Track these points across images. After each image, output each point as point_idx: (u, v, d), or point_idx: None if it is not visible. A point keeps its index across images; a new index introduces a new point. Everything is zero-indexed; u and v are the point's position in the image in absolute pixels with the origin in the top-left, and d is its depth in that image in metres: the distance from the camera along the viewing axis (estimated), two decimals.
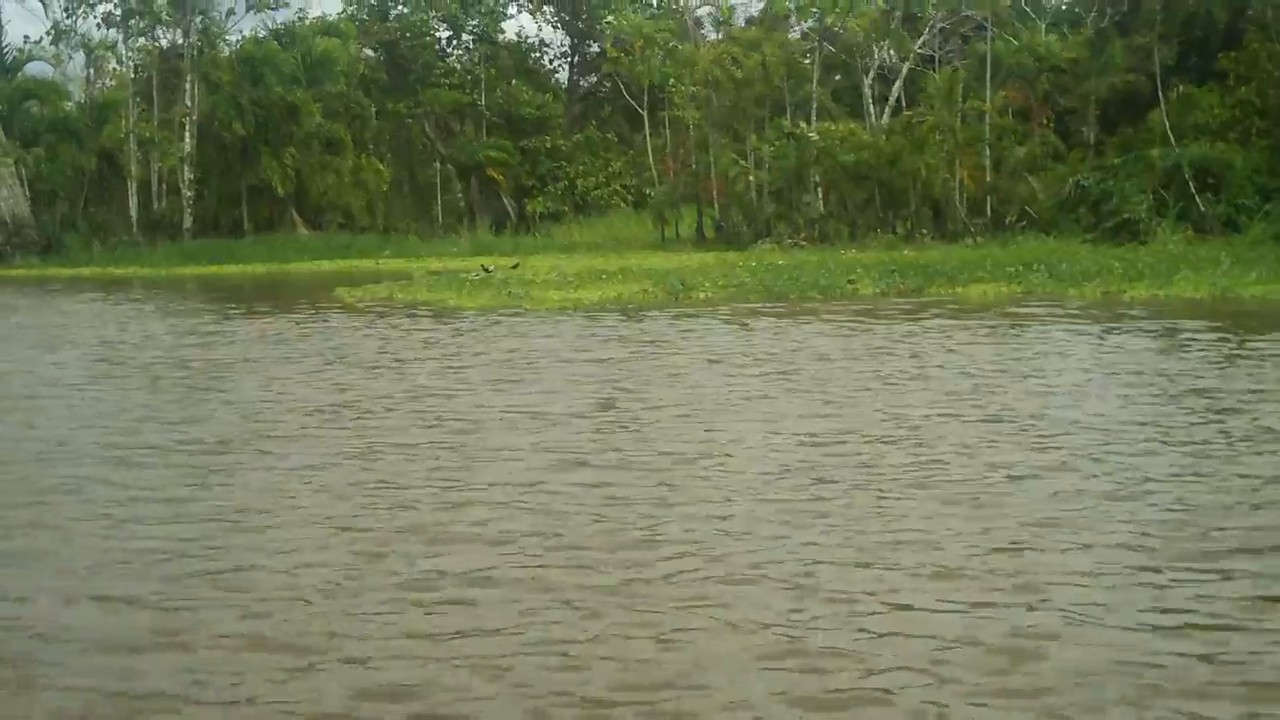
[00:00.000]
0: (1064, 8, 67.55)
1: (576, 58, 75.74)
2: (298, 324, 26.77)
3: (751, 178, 54.04)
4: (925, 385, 16.07)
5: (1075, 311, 24.85)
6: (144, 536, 9.65)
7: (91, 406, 16.11)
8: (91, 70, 69.82)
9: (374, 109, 65.80)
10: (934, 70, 58.55)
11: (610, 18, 66.19)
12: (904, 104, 57.64)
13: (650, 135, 61.91)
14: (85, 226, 60.58)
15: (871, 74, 57.39)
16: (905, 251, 43.21)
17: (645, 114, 59.86)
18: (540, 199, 70.40)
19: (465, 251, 55.13)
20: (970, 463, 11.49)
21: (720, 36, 60.33)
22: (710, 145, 56.83)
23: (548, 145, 71.01)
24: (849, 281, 31.53)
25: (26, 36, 70.05)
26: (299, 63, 59.41)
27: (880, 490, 10.54)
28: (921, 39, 57.45)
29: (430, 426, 14.05)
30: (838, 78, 61.74)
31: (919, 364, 17.94)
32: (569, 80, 76.54)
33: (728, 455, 12.21)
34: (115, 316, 30.69)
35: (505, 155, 69.90)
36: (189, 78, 59.01)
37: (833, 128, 53.90)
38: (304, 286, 41.42)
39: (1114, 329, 21.70)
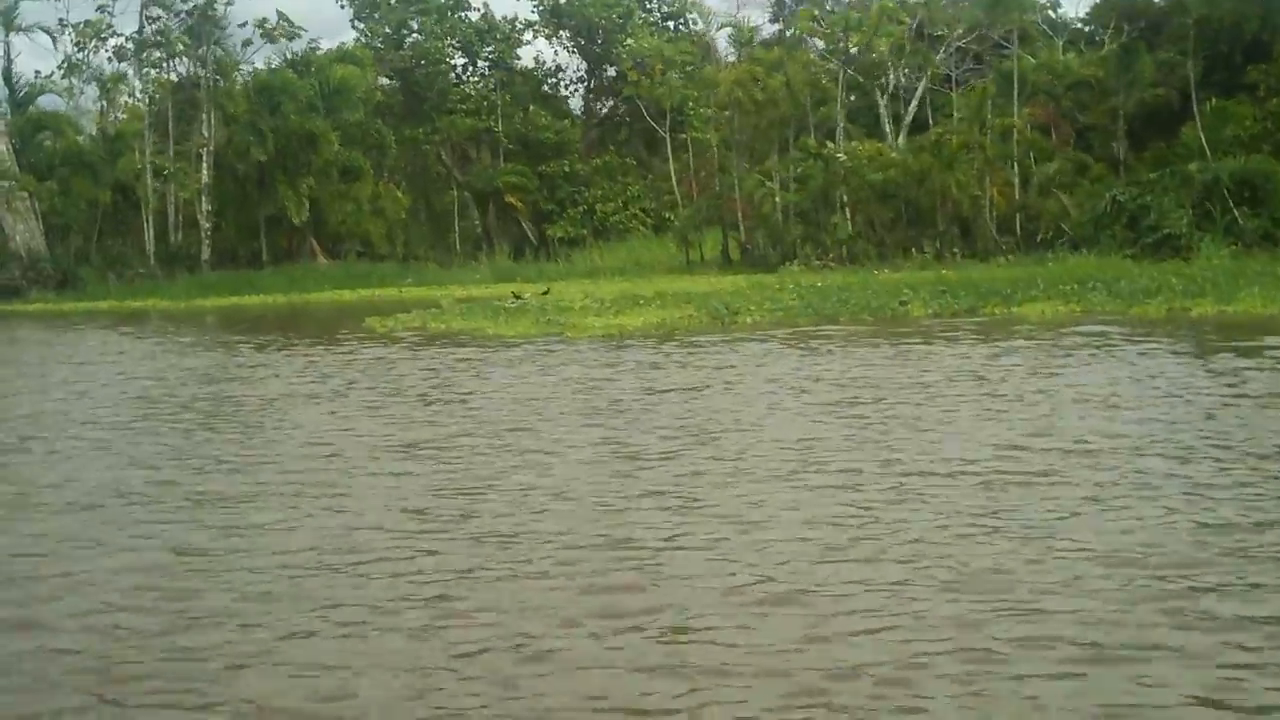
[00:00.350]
0: (1080, 26, 66.91)
1: (593, 82, 74.89)
2: (339, 355, 25.74)
3: (778, 199, 53.08)
4: (1058, 410, 15.08)
5: (1154, 331, 23.76)
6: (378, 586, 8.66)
7: (154, 448, 15.02)
8: (104, 103, 69.14)
9: (392, 137, 64.96)
10: (951, 89, 57.83)
11: (630, 40, 65.31)
12: (922, 123, 56.92)
13: (671, 158, 60.89)
14: (100, 260, 59.73)
15: (887, 94, 56.51)
16: (943, 271, 42.21)
17: (667, 136, 58.78)
18: (560, 224, 69.55)
19: (487, 278, 54.24)
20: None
21: (740, 58, 59.36)
22: (733, 167, 55.93)
23: (566, 170, 70.16)
24: (900, 303, 30.48)
25: (38, 71, 69.37)
26: (317, 91, 58.54)
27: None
28: (938, 57, 56.58)
29: (525, 467, 13.01)
30: (852, 98, 60.69)
31: (1033, 387, 16.95)
32: (585, 105, 75.78)
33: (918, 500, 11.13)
34: (146, 352, 29.65)
35: (523, 180, 69.09)
36: (205, 108, 58.11)
37: (860, 147, 53.06)
38: (331, 317, 40.48)
39: (1216, 351, 20.54)
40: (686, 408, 16.49)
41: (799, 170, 52.94)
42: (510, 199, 69.22)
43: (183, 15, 60.15)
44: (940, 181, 50.83)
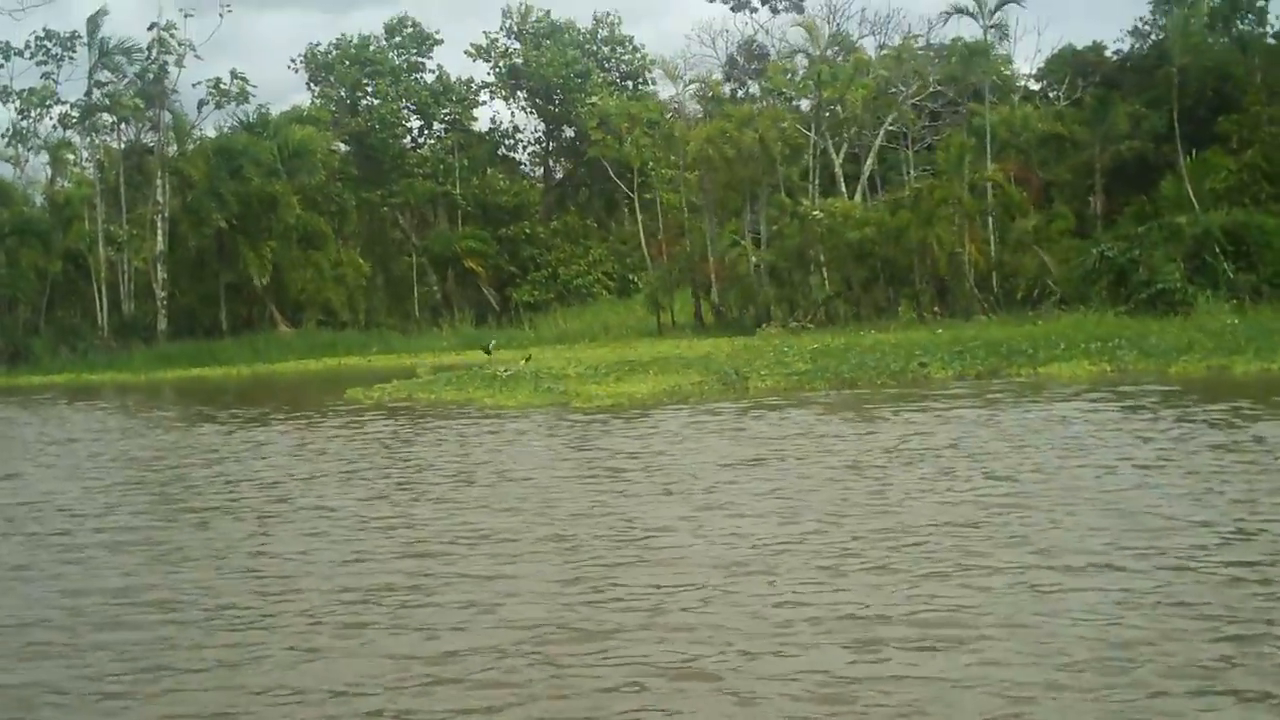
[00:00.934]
0: (1032, 82, 66.11)
1: (551, 143, 73.34)
2: (339, 430, 23.91)
3: (752, 258, 51.54)
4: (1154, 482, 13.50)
5: (1216, 392, 22.28)
6: None
7: (178, 549, 13.14)
8: (51, 170, 66.89)
9: (352, 201, 63.07)
10: (907, 147, 56.76)
11: (594, 99, 63.82)
12: (873, 182, 55.81)
13: (639, 218, 59.17)
14: (51, 332, 57.31)
15: (843, 151, 55.14)
16: (939, 330, 40.58)
17: (634, 197, 57.17)
18: (524, 288, 67.82)
19: (453, 345, 52.34)
20: None
21: (708, 114, 57.87)
22: (704, 226, 54.42)
23: (526, 233, 68.50)
24: (920, 364, 28.86)
25: None
26: (276, 154, 56.55)
27: None
28: (891, 116, 55.23)
29: (629, 559, 11.24)
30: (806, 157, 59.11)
31: (1115, 454, 15.45)
32: (544, 166, 74.15)
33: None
34: (119, 429, 27.64)
35: (482, 245, 67.39)
36: (159, 173, 55.99)
37: (835, 204, 51.69)
38: (306, 388, 38.62)
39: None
40: (774, 484, 14.88)
41: (774, 228, 51.39)
42: (470, 264, 67.41)
43: (131, 79, 58.01)
44: (918, 238, 49.54)
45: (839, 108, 53.98)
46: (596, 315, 61.85)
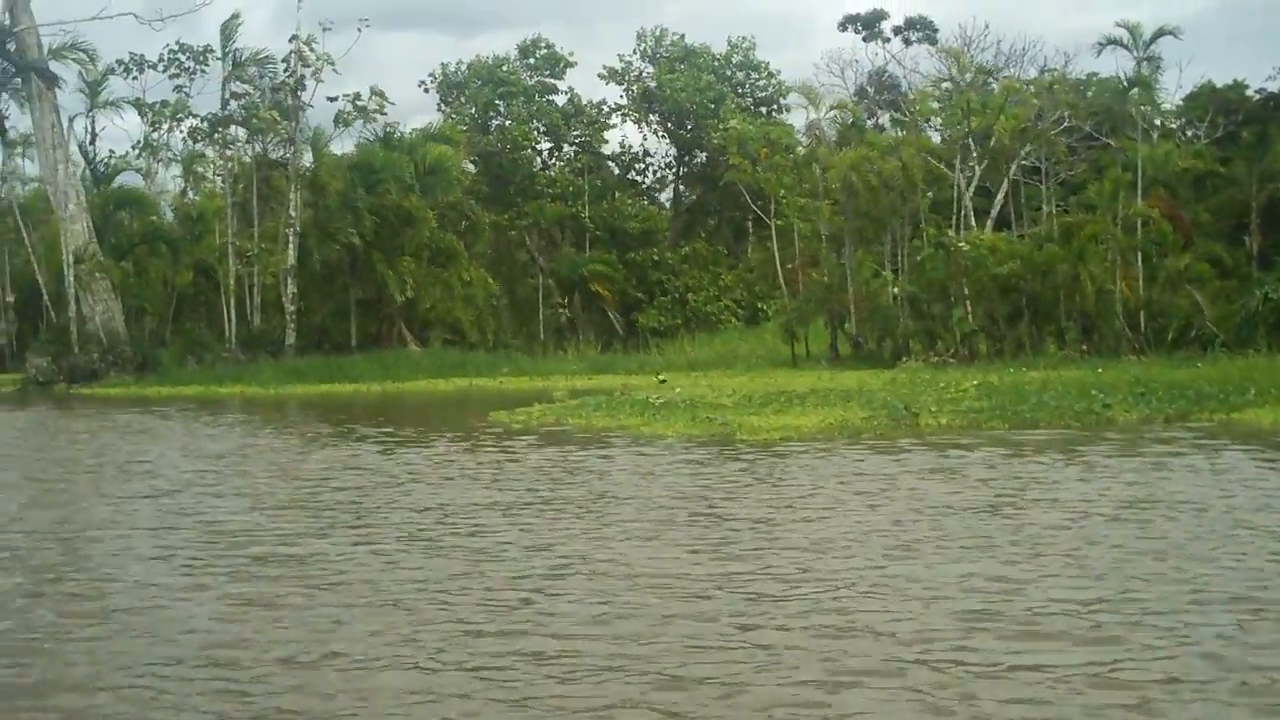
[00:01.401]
0: (1169, 122, 63.53)
1: (681, 169, 71.86)
2: (497, 454, 22.55)
3: (895, 290, 49.67)
4: None
5: None
6: None
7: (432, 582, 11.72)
8: (184, 182, 66.65)
9: (487, 219, 62.00)
10: (1040, 183, 54.68)
11: (732, 123, 62.23)
12: (1010, 216, 53.54)
13: (774, 246, 57.20)
14: (178, 343, 56.70)
15: (973, 186, 53.00)
16: (1099, 370, 38.43)
17: (772, 224, 55.38)
18: (649, 313, 66.38)
19: (583, 370, 50.86)
20: None
21: (836, 141, 56.03)
22: (844, 256, 52.63)
23: (655, 258, 67.08)
24: (1104, 405, 26.89)
25: (111, 151, 66.69)
26: (413, 170, 55.54)
27: None
28: (1025, 150, 53.06)
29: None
30: (930, 193, 56.88)
31: None
32: (674, 191, 72.71)
33: None
34: (269, 447, 26.35)
35: (610, 269, 66.01)
36: (292, 187, 55.18)
37: (981, 237, 49.75)
38: (442, 407, 37.49)
39: None
40: (1027, 532, 13.19)
41: (917, 259, 49.49)
42: (596, 287, 66.12)
43: (265, 92, 57.31)
44: (1067, 273, 47.54)
45: (971, 141, 51.99)
46: (726, 343, 60.29)
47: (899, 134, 55.66)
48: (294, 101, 55.67)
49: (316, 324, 56.74)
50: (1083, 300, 48.12)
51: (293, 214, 54.95)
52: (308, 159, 57.14)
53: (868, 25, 77.57)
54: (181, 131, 66.94)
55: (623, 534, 14.11)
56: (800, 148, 58.26)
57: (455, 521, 15.22)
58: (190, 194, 68.24)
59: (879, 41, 76.74)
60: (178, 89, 65.47)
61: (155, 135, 67.08)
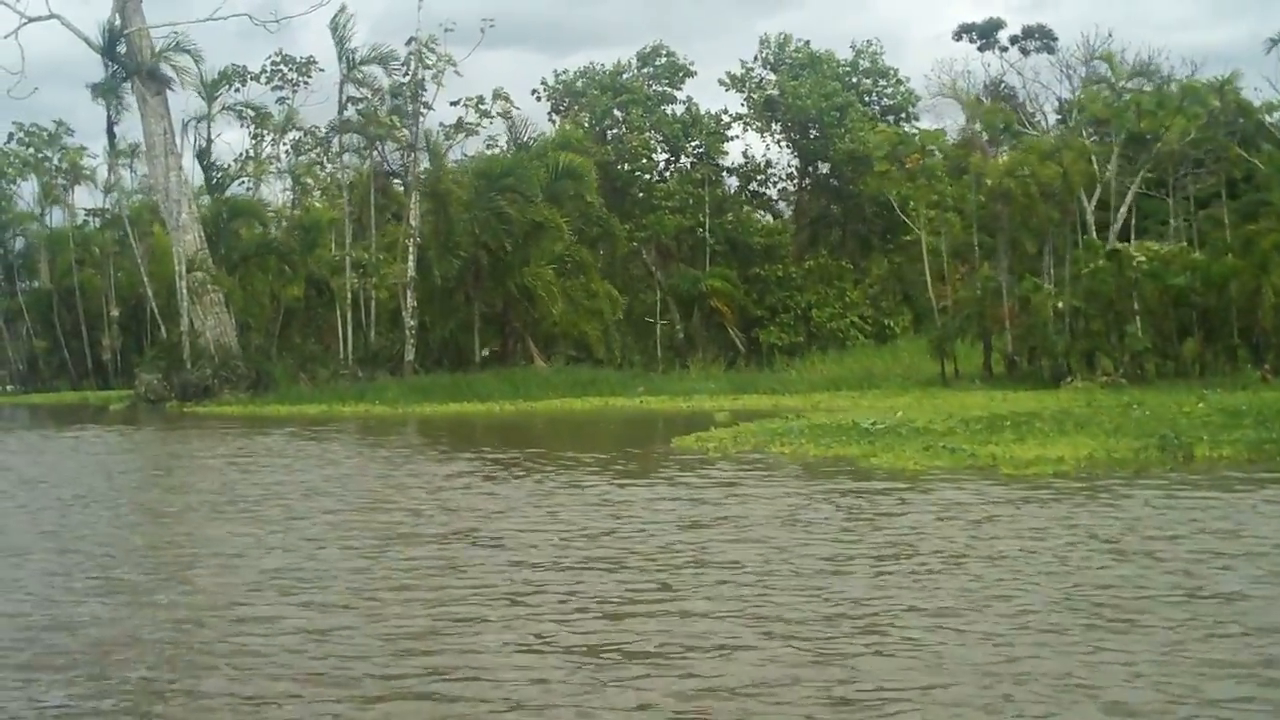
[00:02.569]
0: None
1: (805, 180, 67.30)
2: (731, 491, 18.20)
3: (1059, 304, 44.98)
4: None
5: None
6: None
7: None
8: (295, 192, 63.06)
9: (623, 229, 57.70)
10: (1166, 195, 49.96)
11: (873, 130, 57.73)
12: (1131, 231, 48.64)
13: (922, 260, 52.43)
14: (289, 359, 52.82)
15: (1095, 198, 48.19)
16: None
17: (922, 234, 50.88)
18: (771, 330, 62.05)
19: (722, 389, 46.51)
20: None
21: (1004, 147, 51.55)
22: (998, 268, 48.11)
23: (779, 274, 62.71)
24: None
25: (214, 163, 63.20)
26: (543, 178, 51.27)
27: None
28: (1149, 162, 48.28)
29: None
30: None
31: None
32: (796, 204, 68.02)
33: None
34: (435, 475, 22.16)
35: (729, 285, 61.68)
36: (412, 197, 51.25)
37: (1152, 246, 45.05)
38: (599, 431, 33.40)
39: None
40: None
41: (1088, 271, 44.72)
42: (715, 303, 61.78)
43: (384, 95, 53.45)
44: (1248, 286, 42.87)
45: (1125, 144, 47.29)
46: (858, 361, 55.72)
47: (1059, 134, 50.96)
48: (414, 106, 51.70)
49: (437, 339, 52.66)
50: (1262, 315, 43.47)
51: (412, 224, 50.98)
52: (426, 166, 53.13)
53: (984, 34, 73.31)
54: (285, 144, 63.59)
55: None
56: (936, 156, 53.61)
57: (872, 599, 10.96)
58: (297, 205, 64.61)
59: (995, 50, 72.52)
60: (280, 100, 62.23)
61: (260, 148, 63.71)
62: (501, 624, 10.31)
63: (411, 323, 50.87)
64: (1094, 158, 47.32)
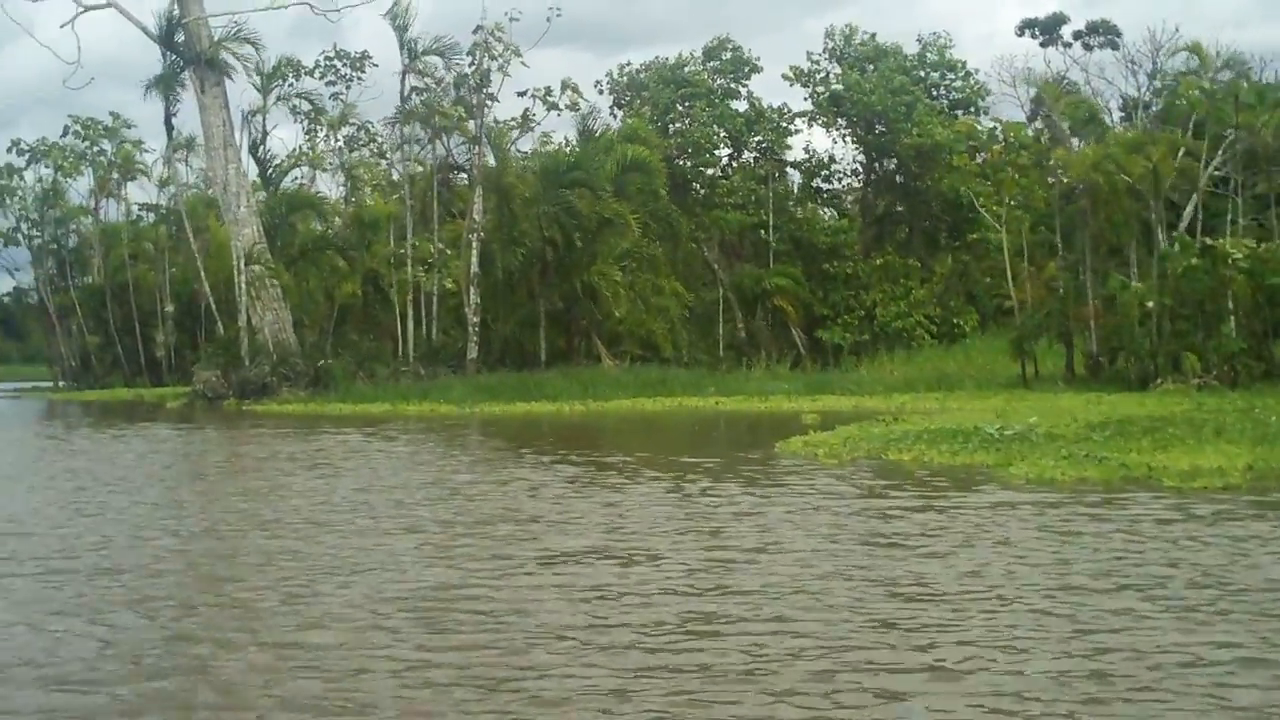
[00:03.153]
0: None
1: (871, 176, 64.89)
2: (885, 505, 16.02)
3: (1149, 303, 42.56)
4: None
5: None
6: None
7: None
8: (348, 188, 61.22)
9: (689, 225, 55.45)
10: (1232, 193, 47.44)
11: (959, 119, 55.34)
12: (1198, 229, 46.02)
13: (1008, 259, 49.88)
14: (346, 357, 50.79)
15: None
16: None
17: (1002, 230, 48.56)
18: (835, 329, 59.82)
19: (798, 389, 44.35)
20: None
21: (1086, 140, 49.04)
22: (1074, 266, 45.82)
23: (847, 272, 60.46)
24: None
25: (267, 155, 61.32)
26: (613, 170, 49.02)
27: None
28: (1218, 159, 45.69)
29: None
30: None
31: None
32: (862, 200, 65.58)
33: None
34: (548, 480, 20.06)
35: (794, 284, 59.51)
36: (476, 189, 49.20)
37: (1251, 245, 42.60)
38: (683, 431, 31.20)
39: None
40: None
41: (1181, 269, 42.29)
42: (779, 302, 59.59)
43: (446, 87, 51.43)
44: None
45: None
46: (929, 361, 53.49)
47: (1141, 129, 48.53)
48: (479, 97, 49.66)
49: (499, 337, 50.61)
50: None
51: (476, 218, 48.95)
52: (490, 159, 51.09)
53: (1046, 30, 70.91)
54: (338, 139, 61.83)
55: None
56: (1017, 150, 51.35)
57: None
58: (350, 201, 62.62)
59: (1059, 46, 70.13)
60: (334, 96, 60.56)
61: (314, 142, 61.94)
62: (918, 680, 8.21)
63: (474, 319, 48.82)
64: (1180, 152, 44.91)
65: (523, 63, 49.51)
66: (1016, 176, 48.54)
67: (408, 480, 20.69)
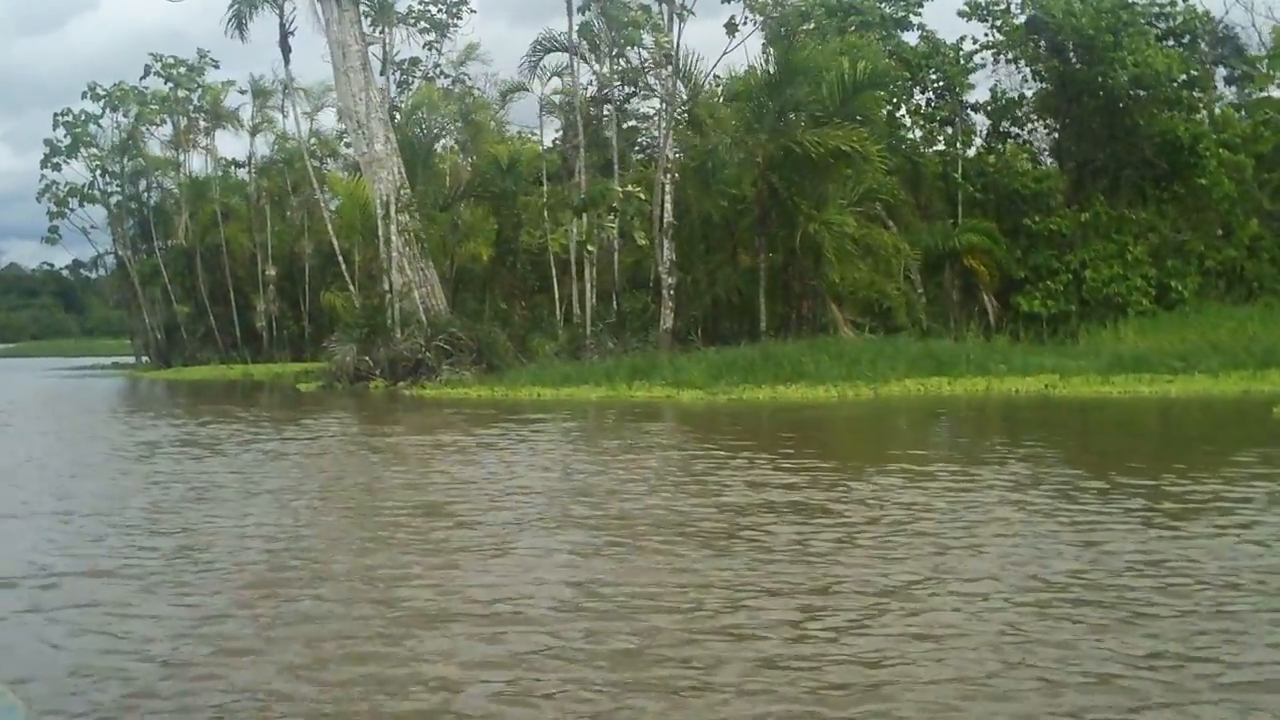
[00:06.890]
0: None
1: (1067, 118, 51.60)
2: None
3: None
4: None
5: None
6: None
7: None
8: (471, 140, 48.69)
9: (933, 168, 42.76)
10: None
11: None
12: None
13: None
14: (508, 327, 38.37)
15: None
16: None
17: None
18: (1033, 295, 47.37)
19: (1099, 366, 31.64)
20: None
21: None
22: None
23: (1051, 228, 47.85)
24: None
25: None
26: (837, 91, 35.94)
27: None
28: None
29: None
30: None
31: None
32: (1058, 145, 52.28)
33: None
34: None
35: (989, 241, 47.03)
36: (663, 122, 36.66)
37: None
38: (1069, 420, 19.29)
39: None
40: None
41: None
42: (971, 262, 47.06)
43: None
44: None
45: None
46: (1155, 331, 40.83)
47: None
48: (672, 8, 37.02)
49: (703, 302, 37.83)
50: None
51: (669, 155, 36.38)
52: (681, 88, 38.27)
53: None
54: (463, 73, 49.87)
55: None
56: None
57: None
58: (463, 153, 50.01)
59: None
60: (428, 45, 48.47)
61: (405, 95, 49.45)
62: None
63: (669, 280, 36.17)
64: None
65: None
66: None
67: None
